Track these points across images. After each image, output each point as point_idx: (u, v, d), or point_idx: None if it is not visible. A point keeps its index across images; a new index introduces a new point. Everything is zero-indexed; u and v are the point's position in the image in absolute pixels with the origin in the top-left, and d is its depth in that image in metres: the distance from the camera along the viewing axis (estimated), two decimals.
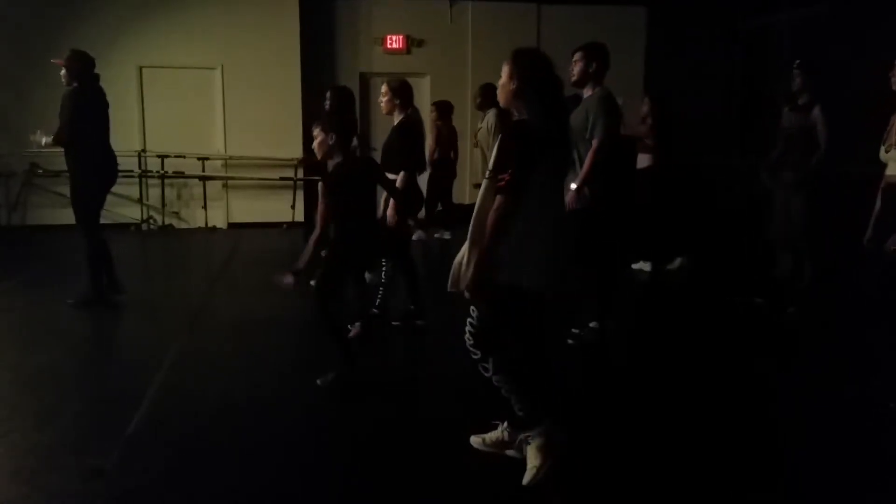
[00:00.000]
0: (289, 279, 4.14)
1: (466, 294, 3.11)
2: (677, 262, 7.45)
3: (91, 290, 6.01)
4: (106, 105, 6.10)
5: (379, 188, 4.96)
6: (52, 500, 3.09)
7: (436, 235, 9.41)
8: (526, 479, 3.20)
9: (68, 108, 5.74)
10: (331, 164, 4.46)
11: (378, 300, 5.59)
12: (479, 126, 7.97)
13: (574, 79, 4.99)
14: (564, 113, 3.37)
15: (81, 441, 3.66)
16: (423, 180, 6.84)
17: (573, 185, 4.78)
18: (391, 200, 5.20)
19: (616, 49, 5.23)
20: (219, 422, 3.94)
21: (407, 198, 5.36)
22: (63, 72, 5.88)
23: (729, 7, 10.33)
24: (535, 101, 3.15)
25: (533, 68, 3.20)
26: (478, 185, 7.60)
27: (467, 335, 3.26)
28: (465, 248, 3.22)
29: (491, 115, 7.81)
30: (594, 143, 4.81)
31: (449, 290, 3.26)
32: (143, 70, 10.57)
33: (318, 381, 4.35)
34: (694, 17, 10.91)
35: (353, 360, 4.40)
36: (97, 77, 6.03)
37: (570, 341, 5.08)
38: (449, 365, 4.86)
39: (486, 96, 7.85)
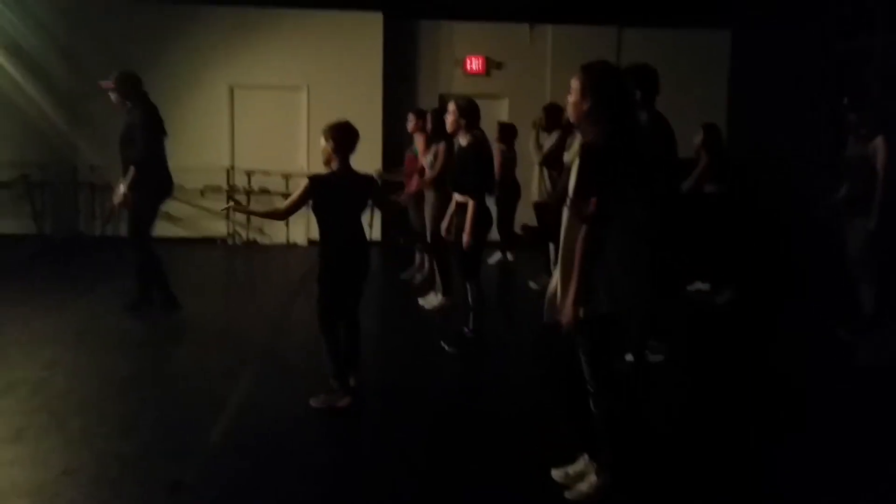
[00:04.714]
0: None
1: (564, 324, 3.07)
2: (725, 294, 7.36)
3: (139, 299, 6.26)
4: (161, 121, 6.19)
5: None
6: None
7: (499, 258, 9.38)
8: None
9: (142, 133, 5.93)
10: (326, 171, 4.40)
11: (472, 322, 5.66)
12: (545, 146, 7.81)
13: None
14: (637, 132, 3.24)
15: (163, 450, 3.84)
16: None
17: None
18: (452, 219, 5.54)
19: (699, 74, 5.20)
20: (296, 436, 4.09)
21: (477, 220, 5.52)
22: (114, 95, 6.04)
23: (818, 29, 10.06)
24: (607, 120, 3.06)
25: (605, 83, 3.10)
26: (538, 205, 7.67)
27: (586, 368, 3.18)
28: (556, 278, 3.20)
29: (554, 137, 7.69)
30: None
31: (545, 321, 3.23)
32: (235, 90, 10.99)
33: (311, 402, 4.40)
34: (781, 40, 10.65)
35: (346, 383, 4.43)
36: (146, 94, 6.14)
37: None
38: (518, 392, 4.90)
39: (550, 117, 7.79)
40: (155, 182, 6.14)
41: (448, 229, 5.88)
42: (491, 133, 7.12)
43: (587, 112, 3.10)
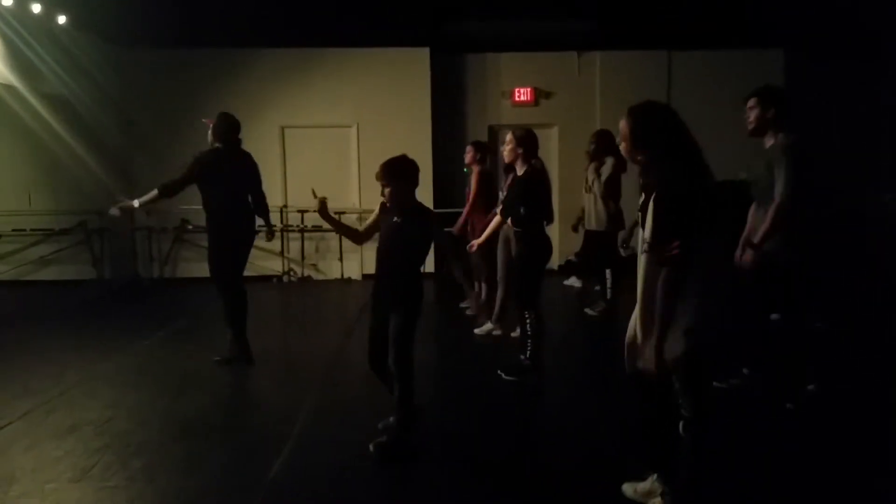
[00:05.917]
0: None
1: (647, 370, 3.00)
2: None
3: (235, 349, 6.08)
4: (249, 167, 6.20)
5: None
6: None
7: (565, 283, 9.33)
8: None
9: (190, 167, 5.91)
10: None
11: (529, 352, 5.54)
12: (594, 173, 7.75)
13: (751, 127, 4.74)
14: (704, 165, 3.05)
15: (224, 488, 3.81)
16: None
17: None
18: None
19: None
20: (355, 471, 4.01)
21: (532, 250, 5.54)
22: (210, 132, 6.08)
23: (874, 44, 9.82)
24: (666, 159, 2.98)
25: (652, 124, 3.02)
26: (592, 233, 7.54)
27: (683, 395, 3.08)
28: (633, 325, 3.11)
29: (609, 165, 7.58)
30: (776, 200, 4.48)
31: (628, 371, 3.15)
32: (286, 130, 11.16)
33: (370, 447, 4.18)
34: (837, 55, 10.41)
35: (413, 424, 4.29)
36: (239, 141, 6.15)
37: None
38: (572, 417, 4.77)
39: (602, 143, 7.68)
40: (222, 228, 6.03)
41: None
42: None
43: (644, 156, 3.04)
